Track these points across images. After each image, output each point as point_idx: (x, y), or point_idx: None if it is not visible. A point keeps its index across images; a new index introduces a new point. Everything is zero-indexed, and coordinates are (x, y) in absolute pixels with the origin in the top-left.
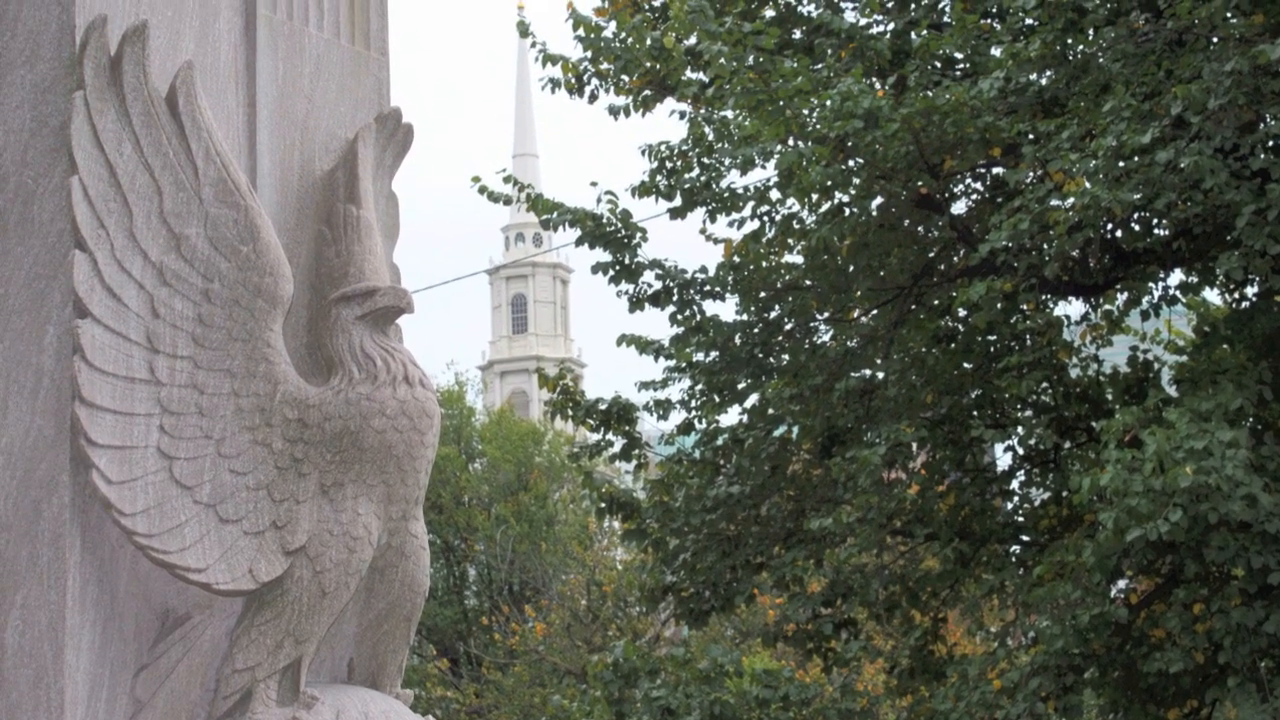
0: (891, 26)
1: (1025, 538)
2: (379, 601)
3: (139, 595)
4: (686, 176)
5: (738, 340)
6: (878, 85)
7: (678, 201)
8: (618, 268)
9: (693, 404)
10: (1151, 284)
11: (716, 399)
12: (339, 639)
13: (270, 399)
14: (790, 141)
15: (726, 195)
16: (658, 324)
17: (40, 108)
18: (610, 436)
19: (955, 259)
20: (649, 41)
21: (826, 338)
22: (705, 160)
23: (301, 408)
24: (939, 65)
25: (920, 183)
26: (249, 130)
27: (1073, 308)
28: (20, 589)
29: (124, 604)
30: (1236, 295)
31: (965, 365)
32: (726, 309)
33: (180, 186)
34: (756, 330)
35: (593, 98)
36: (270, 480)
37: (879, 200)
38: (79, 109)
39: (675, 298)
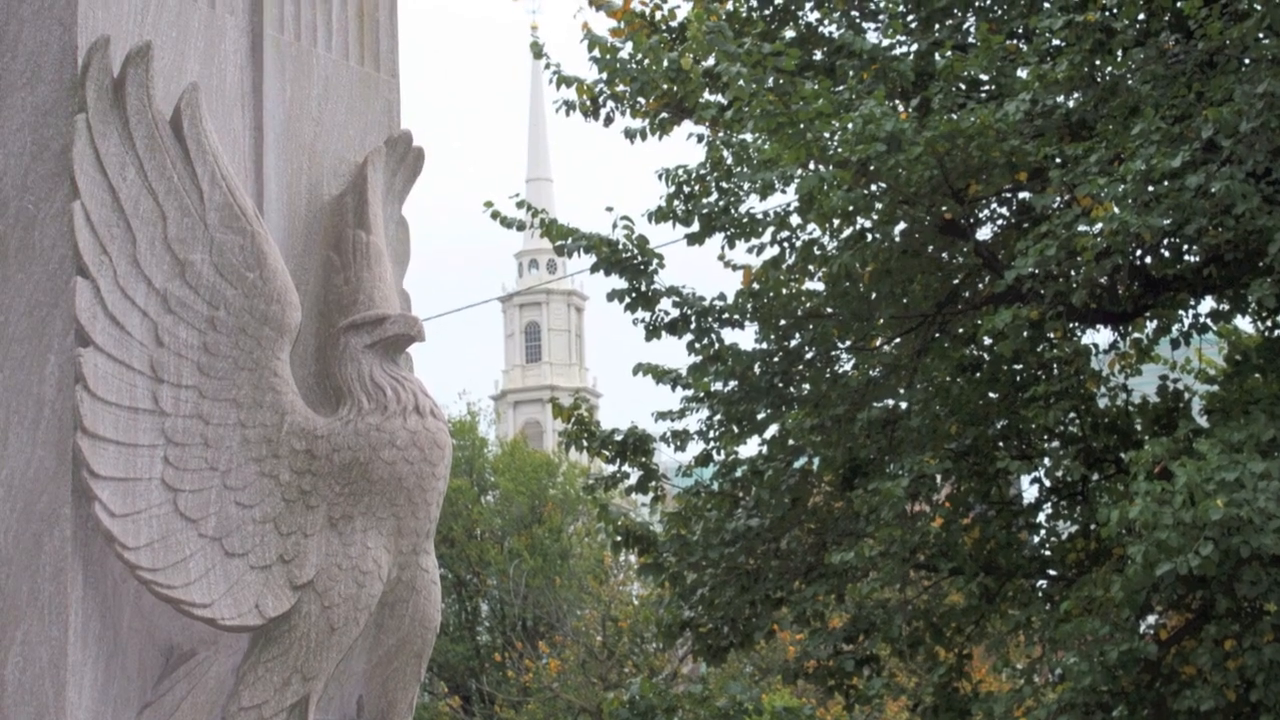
0: (915, 47)
1: (1052, 572)
2: (389, 637)
3: (142, 631)
4: (704, 201)
5: (757, 369)
6: (901, 108)
7: (695, 227)
8: (634, 295)
9: (711, 435)
10: (1181, 311)
11: (735, 429)
12: (348, 676)
13: (277, 429)
14: (811, 165)
15: (745, 220)
16: (675, 353)
17: (41, 131)
18: (626, 468)
19: (980, 286)
20: (666, 63)
21: (848, 367)
22: (724, 184)
23: (309, 439)
24: (963, 87)
25: (944, 208)
26: (255, 154)
27: (1101, 336)
28: (21, 624)
29: (127, 640)
30: (1269, 323)
31: (990, 395)
32: (745, 337)
33: (185, 211)
34: (776, 359)
35: (608, 120)
36: (277, 513)
37: (902, 226)
38: (81, 132)
39: (693, 325)
